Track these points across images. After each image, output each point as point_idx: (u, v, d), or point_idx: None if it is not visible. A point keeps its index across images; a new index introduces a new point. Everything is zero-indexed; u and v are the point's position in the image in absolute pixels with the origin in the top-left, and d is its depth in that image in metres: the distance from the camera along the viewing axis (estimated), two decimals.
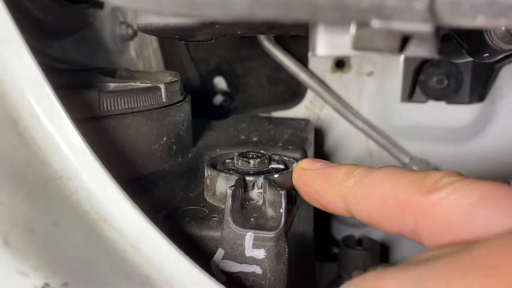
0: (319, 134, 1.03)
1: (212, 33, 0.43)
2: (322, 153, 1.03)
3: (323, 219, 1.06)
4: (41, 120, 0.34)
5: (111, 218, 0.35)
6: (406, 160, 0.97)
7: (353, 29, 0.26)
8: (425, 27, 0.22)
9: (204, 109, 1.00)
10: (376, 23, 0.22)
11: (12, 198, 0.30)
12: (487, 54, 0.40)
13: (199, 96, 1.03)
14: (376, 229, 1.03)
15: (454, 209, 0.29)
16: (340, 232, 1.06)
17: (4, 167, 0.31)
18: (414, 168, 0.94)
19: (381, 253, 0.97)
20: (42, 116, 0.34)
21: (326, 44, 0.28)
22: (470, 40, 0.42)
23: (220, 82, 1.02)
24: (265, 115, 0.97)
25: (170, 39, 0.55)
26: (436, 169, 0.95)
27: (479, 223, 0.28)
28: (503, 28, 0.38)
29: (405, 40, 0.27)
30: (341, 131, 1.02)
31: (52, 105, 0.35)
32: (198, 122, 0.68)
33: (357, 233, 1.01)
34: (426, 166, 0.94)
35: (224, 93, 1.01)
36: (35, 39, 0.74)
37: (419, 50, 0.27)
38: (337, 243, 0.96)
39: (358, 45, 0.27)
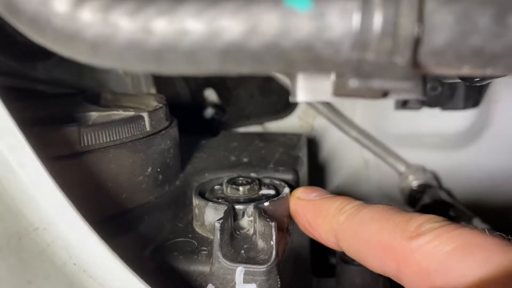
0: (313, 145, 1.01)
1: None
2: (316, 164, 1.02)
3: None
4: (14, 170, 0.33)
5: (91, 269, 0.33)
6: (402, 168, 0.95)
7: (333, 76, 0.25)
8: (407, 84, 0.20)
9: (195, 123, 0.99)
10: (354, 83, 0.21)
11: None
12: (477, 78, 0.39)
13: (189, 110, 1.01)
14: None
15: (431, 257, 0.29)
16: None
17: None
18: (411, 176, 0.93)
19: None
20: (14, 165, 0.33)
21: (306, 90, 0.26)
22: None
23: (210, 95, 1.01)
24: (257, 131, 0.96)
25: None
26: (433, 176, 0.94)
27: (455, 273, 0.28)
28: None
29: None
30: (335, 140, 1.00)
31: (24, 152, 0.33)
32: (186, 140, 0.66)
33: None
34: (423, 174, 0.92)
35: (215, 105, 1.00)
36: (18, 62, 0.72)
37: (403, 94, 0.26)
38: (335, 258, 0.95)
39: (338, 92, 0.25)
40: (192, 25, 0.21)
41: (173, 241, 0.49)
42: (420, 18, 0.20)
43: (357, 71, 0.21)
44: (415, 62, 0.21)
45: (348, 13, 0.20)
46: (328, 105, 0.96)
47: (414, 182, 0.91)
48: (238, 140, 0.72)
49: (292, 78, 0.27)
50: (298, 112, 0.99)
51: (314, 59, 0.21)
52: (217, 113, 1.00)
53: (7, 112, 0.32)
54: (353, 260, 0.79)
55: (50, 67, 0.79)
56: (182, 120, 0.62)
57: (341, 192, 1.02)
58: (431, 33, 0.20)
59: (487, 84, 0.91)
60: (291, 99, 0.27)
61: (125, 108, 0.52)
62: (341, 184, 1.02)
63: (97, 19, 0.21)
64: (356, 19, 0.20)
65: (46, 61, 0.78)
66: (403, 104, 0.94)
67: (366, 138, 0.96)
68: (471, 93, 0.91)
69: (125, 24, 0.21)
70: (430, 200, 0.83)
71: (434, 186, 0.89)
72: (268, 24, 0.21)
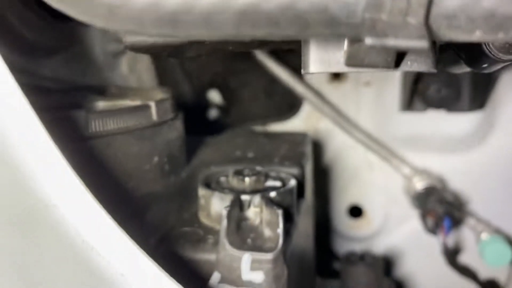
0: (317, 147, 1.01)
1: (202, 49, 0.42)
2: (321, 166, 1.02)
3: (324, 234, 1.05)
4: (26, 148, 0.33)
5: (99, 247, 0.33)
6: (407, 170, 0.95)
7: (346, 45, 0.25)
8: (421, 44, 0.21)
9: (198, 124, 0.99)
10: (369, 40, 0.21)
11: None
12: (485, 65, 0.39)
13: (193, 111, 1.01)
14: (377, 243, 1.01)
15: None
16: (341, 246, 1.04)
17: None
18: (415, 178, 0.92)
19: (383, 268, 0.95)
20: (27, 144, 0.33)
21: (318, 61, 0.27)
22: (468, 51, 0.40)
23: (214, 96, 1.01)
24: (261, 129, 0.96)
25: (159, 56, 0.54)
26: (439, 178, 0.94)
27: None
28: None
29: (400, 55, 0.26)
30: (339, 143, 1.00)
31: (36, 132, 0.33)
32: (192, 139, 0.66)
33: (358, 247, 0.99)
34: (428, 176, 0.92)
35: (218, 107, 1.00)
36: (24, 59, 0.73)
37: (416, 65, 0.26)
38: (339, 259, 0.94)
39: (351, 61, 0.25)
40: None
41: (179, 230, 0.49)
42: None
43: (371, 31, 0.21)
44: (427, 24, 0.21)
45: None
46: (332, 107, 0.97)
47: (418, 184, 0.91)
48: (243, 137, 0.72)
49: (305, 49, 0.27)
50: (302, 114, 1.00)
51: (330, 20, 0.22)
52: (221, 114, 1.00)
53: (17, 84, 0.33)
54: (357, 261, 0.80)
55: (55, 64, 0.80)
56: (186, 121, 0.62)
57: (345, 195, 1.02)
58: None
59: (492, 85, 0.92)
60: (303, 71, 0.27)
61: (131, 98, 0.53)
62: (346, 186, 1.02)
63: None
64: None
65: (52, 59, 0.79)
66: (408, 106, 0.94)
67: (371, 141, 0.96)
68: (477, 94, 0.91)
69: None
70: (436, 202, 0.83)
71: (440, 189, 0.89)
72: None
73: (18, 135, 0.33)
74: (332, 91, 0.97)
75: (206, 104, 1.01)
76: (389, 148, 0.96)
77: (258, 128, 0.99)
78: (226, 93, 1.01)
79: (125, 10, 0.22)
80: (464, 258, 0.97)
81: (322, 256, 1.03)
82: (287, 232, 0.49)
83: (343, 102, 0.97)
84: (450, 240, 0.95)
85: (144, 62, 0.96)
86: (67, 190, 0.33)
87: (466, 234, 0.95)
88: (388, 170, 0.97)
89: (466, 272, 0.93)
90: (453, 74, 0.90)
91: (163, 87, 0.61)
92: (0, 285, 0.28)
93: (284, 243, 0.45)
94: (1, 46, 0.37)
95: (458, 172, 0.95)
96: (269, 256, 0.44)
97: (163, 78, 0.99)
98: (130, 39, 0.39)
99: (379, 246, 1.01)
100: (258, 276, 0.44)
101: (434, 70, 0.26)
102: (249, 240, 0.46)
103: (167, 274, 0.35)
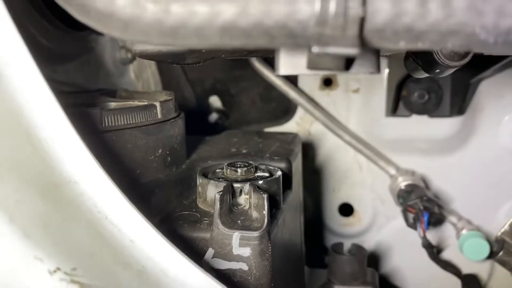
0: (310, 149, 1.08)
1: (200, 57, 0.49)
2: (313, 167, 1.09)
3: (317, 231, 1.12)
4: (52, 134, 0.40)
5: (112, 217, 0.40)
6: (393, 171, 1.02)
7: (307, 53, 0.33)
8: (353, 50, 0.28)
9: (200, 127, 1.07)
10: (315, 49, 0.28)
11: (27, 197, 0.35)
12: (438, 70, 0.46)
13: (195, 114, 1.09)
14: (368, 240, 1.07)
15: None
16: (332, 242, 1.11)
17: (21, 172, 0.36)
18: (400, 178, 0.99)
19: (372, 263, 1.02)
20: (52, 130, 0.40)
21: (286, 65, 0.34)
22: (423, 59, 0.48)
23: (215, 101, 1.09)
24: (257, 130, 1.03)
25: (163, 62, 0.61)
26: (422, 178, 1.01)
27: None
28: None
29: (350, 61, 0.33)
30: (331, 145, 1.07)
31: (60, 121, 0.41)
32: (192, 138, 0.74)
33: (348, 242, 1.06)
34: (411, 176, 0.99)
35: (219, 111, 1.08)
36: (40, 64, 0.80)
37: (362, 68, 0.33)
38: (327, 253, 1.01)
39: (311, 65, 0.33)
40: (199, 8, 0.29)
41: (179, 213, 0.56)
42: (364, 3, 0.27)
43: (318, 41, 0.28)
44: (362, 36, 0.28)
45: (312, 0, 0.28)
46: (324, 111, 1.04)
47: (403, 183, 0.98)
48: (239, 136, 0.79)
49: (276, 56, 0.35)
50: (296, 118, 1.07)
51: (289, 34, 0.29)
52: (221, 118, 1.08)
53: (49, 88, 0.40)
54: (343, 251, 0.86)
55: (69, 71, 0.87)
56: (189, 124, 0.70)
57: (336, 194, 1.09)
58: (373, 14, 0.28)
59: (472, 93, 0.99)
60: (275, 73, 0.35)
61: (139, 99, 0.60)
62: (337, 186, 1.09)
63: (129, 3, 0.29)
64: (317, 5, 0.28)
65: (66, 65, 0.86)
66: (393, 111, 1.01)
67: (360, 143, 1.03)
68: (456, 100, 0.98)
69: (150, 6, 0.29)
70: (416, 198, 0.90)
71: (421, 187, 0.96)
72: (254, 8, 0.29)
73: (49, 127, 0.40)
74: (323, 97, 1.05)
75: (207, 109, 1.09)
76: (377, 150, 1.03)
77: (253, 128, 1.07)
78: (226, 98, 1.09)
79: (136, 24, 0.30)
80: (448, 256, 1.03)
81: (316, 251, 1.10)
82: (273, 216, 0.56)
83: (333, 107, 1.05)
84: (434, 238, 1.01)
85: (150, 70, 1.04)
86: (87, 170, 0.41)
87: (449, 232, 1.02)
88: (376, 171, 1.04)
89: (448, 266, 0.99)
90: (434, 82, 0.98)
91: (167, 91, 0.68)
92: (31, 240, 0.35)
93: (269, 224, 0.52)
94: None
95: (441, 173, 1.02)
96: (255, 234, 0.51)
97: (167, 84, 1.07)
98: (139, 47, 0.47)
99: (370, 243, 1.08)
100: (246, 251, 0.51)
101: (377, 73, 0.33)
102: (239, 222, 0.53)
103: (169, 241, 0.42)
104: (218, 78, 1.08)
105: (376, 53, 0.33)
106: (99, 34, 0.91)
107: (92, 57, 0.91)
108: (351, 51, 0.28)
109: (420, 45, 0.29)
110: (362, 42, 0.29)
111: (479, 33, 0.28)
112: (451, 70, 0.47)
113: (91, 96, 0.64)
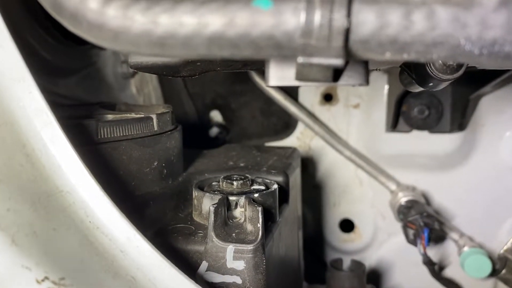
0: (311, 164, 1.08)
1: (195, 69, 0.50)
2: (314, 182, 1.08)
3: (316, 245, 1.11)
4: (46, 144, 0.41)
5: (103, 227, 0.41)
6: (393, 187, 1.02)
7: (295, 65, 0.33)
8: (338, 61, 0.28)
9: (201, 141, 1.07)
10: (300, 59, 0.29)
11: (18, 206, 0.36)
12: (431, 84, 0.47)
13: (196, 129, 1.10)
14: (369, 256, 1.06)
15: None
16: (333, 258, 1.10)
17: (13, 181, 0.37)
18: (400, 193, 0.99)
19: (373, 280, 1.01)
20: (46, 140, 0.41)
21: (276, 76, 0.34)
22: (417, 72, 0.48)
23: (216, 115, 1.09)
24: (256, 144, 1.03)
25: (158, 75, 0.62)
26: (423, 196, 1.00)
27: None
28: (440, 61, 0.44)
29: (338, 72, 0.34)
30: (331, 160, 1.07)
31: (55, 131, 0.41)
32: (190, 151, 0.74)
33: (349, 258, 1.05)
34: (412, 192, 0.98)
35: (219, 125, 1.08)
36: (42, 77, 0.81)
37: (350, 80, 0.34)
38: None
39: (299, 77, 0.33)
40: (187, 20, 0.29)
41: (173, 226, 0.56)
42: (348, 15, 0.28)
43: (303, 51, 0.29)
44: (347, 47, 0.29)
45: (298, 12, 0.28)
46: (324, 127, 1.04)
47: (403, 199, 0.97)
48: (237, 150, 0.80)
49: (266, 68, 0.35)
50: (296, 133, 1.07)
51: (275, 45, 0.29)
52: (221, 132, 1.08)
53: (42, 96, 0.41)
54: (342, 267, 0.86)
55: (71, 84, 0.88)
56: (189, 138, 0.70)
57: (337, 209, 1.09)
58: (357, 26, 0.28)
59: (472, 109, 0.99)
60: (265, 84, 0.35)
61: (136, 112, 0.61)
62: (337, 202, 1.09)
63: (118, 14, 0.29)
64: (303, 16, 0.28)
65: (67, 79, 0.87)
66: (394, 127, 1.01)
67: (360, 158, 1.03)
68: (456, 116, 0.98)
69: (139, 18, 0.29)
70: (416, 214, 0.89)
71: (422, 203, 0.95)
72: (241, 19, 0.29)
73: (43, 137, 0.41)
74: (324, 112, 1.05)
75: (208, 123, 1.10)
76: (377, 165, 1.03)
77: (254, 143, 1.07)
78: (227, 113, 1.10)
79: (125, 35, 0.30)
80: (450, 273, 1.02)
81: (316, 267, 1.09)
82: (268, 229, 0.56)
83: (334, 122, 1.05)
84: (435, 255, 1.00)
85: (152, 84, 1.05)
86: (79, 180, 0.41)
87: (451, 249, 1.01)
88: (377, 186, 1.04)
89: (450, 284, 0.98)
90: (434, 98, 0.98)
91: (167, 104, 0.69)
92: (19, 248, 0.35)
93: (263, 237, 0.52)
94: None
95: (442, 190, 1.01)
96: (249, 247, 0.51)
97: (169, 99, 1.08)
98: (134, 60, 0.47)
99: (371, 259, 1.07)
100: (240, 265, 0.51)
101: (366, 84, 0.34)
102: (233, 235, 0.53)
103: (159, 252, 0.42)
104: (219, 92, 1.09)
105: (365, 64, 0.33)
106: (101, 48, 0.92)
107: (93, 71, 0.92)
108: (336, 62, 0.28)
109: (406, 56, 0.30)
110: (348, 53, 0.29)
111: (464, 44, 0.29)
112: (445, 84, 0.47)
113: (89, 108, 0.65)
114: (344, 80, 0.33)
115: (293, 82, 0.34)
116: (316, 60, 0.28)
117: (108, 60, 0.93)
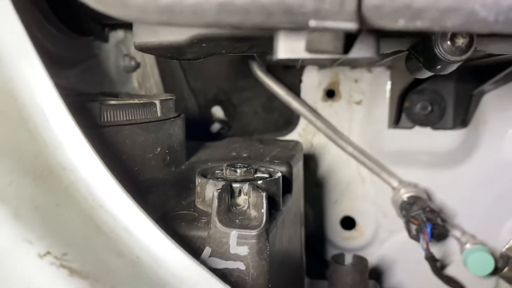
0: (312, 161, 1.07)
1: (200, 51, 0.49)
2: (315, 179, 1.08)
3: (318, 242, 1.10)
4: (48, 120, 0.40)
5: (107, 205, 0.40)
6: (396, 183, 1.01)
7: (305, 35, 0.32)
8: (351, 25, 0.28)
9: (202, 137, 1.06)
10: (313, 23, 0.28)
11: (20, 180, 0.35)
12: (439, 66, 0.46)
13: (198, 124, 1.09)
14: (371, 254, 1.06)
15: None
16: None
17: (15, 154, 0.36)
18: (403, 190, 0.98)
19: (374, 278, 1.00)
20: (49, 116, 0.40)
21: (285, 49, 0.34)
22: (424, 56, 0.47)
23: (217, 111, 1.09)
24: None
25: (163, 57, 0.61)
26: (425, 193, 0.99)
27: None
28: (448, 42, 0.43)
29: (348, 43, 0.33)
30: (333, 157, 1.06)
31: (58, 108, 0.41)
32: (193, 142, 0.73)
33: (350, 256, 1.04)
34: (414, 188, 0.98)
35: (221, 121, 1.08)
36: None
37: (361, 52, 0.33)
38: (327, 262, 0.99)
39: (309, 48, 0.32)
40: None
41: (176, 212, 0.55)
42: None
43: (316, 15, 0.28)
44: (360, 13, 0.28)
45: None
46: (326, 123, 1.03)
47: (405, 195, 0.97)
48: (240, 142, 0.79)
49: (275, 39, 0.34)
50: (298, 129, 1.07)
51: (287, 10, 0.29)
52: (223, 128, 1.08)
53: (46, 72, 0.40)
54: (343, 262, 0.85)
55: (72, 77, 0.88)
56: (190, 133, 0.69)
57: (339, 207, 1.08)
58: None
59: (475, 105, 0.98)
60: (273, 57, 0.34)
61: (139, 99, 0.60)
62: (339, 199, 1.08)
63: None
64: None
65: (70, 70, 0.87)
66: (396, 123, 1.01)
67: (362, 155, 1.03)
68: (459, 113, 0.98)
69: None
70: (419, 209, 0.88)
71: (424, 198, 0.94)
72: None
73: (46, 112, 0.40)
74: (326, 109, 1.05)
75: (209, 119, 1.09)
76: (379, 162, 1.02)
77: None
78: (229, 108, 1.09)
79: (133, 1, 0.30)
80: (452, 272, 1.01)
81: (317, 264, 1.08)
82: (272, 216, 0.55)
83: (336, 118, 1.05)
84: (438, 253, 0.99)
85: (153, 79, 1.04)
86: (83, 157, 0.40)
87: (453, 247, 1.00)
88: (379, 183, 1.03)
89: (452, 282, 0.97)
90: (437, 94, 0.97)
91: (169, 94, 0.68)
92: (21, 221, 0.34)
93: (267, 223, 0.51)
94: None
95: (444, 187, 1.00)
96: (253, 232, 0.50)
97: (170, 93, 1.07)
98: (139, 40, 0.47)
99: (372, 257, 1.06)
100: (243, 250, 0.50)
101: (376, 56, 0.33)
102: (237, 221, 0.52)
103: (163, 231, 0.41)
104: (221, 88, 1.08)
105: (376, 36, 0.33)
106: (103, 40, 0.91)
107: (95, 64, 0.91)
108: (350, 26, 0.27)
109: (419, 24, 0.29)
110: (361, 19, 0.28)
111: (479, 11, 0.28)
112: (453, 66, 0.46)
113: (92, 96, 0.64)
114: (354, 52, 0.33)
115: (302, 54, 0.33)
116: (329, 24, 0.28)
117: (110, 52, 0.93)
